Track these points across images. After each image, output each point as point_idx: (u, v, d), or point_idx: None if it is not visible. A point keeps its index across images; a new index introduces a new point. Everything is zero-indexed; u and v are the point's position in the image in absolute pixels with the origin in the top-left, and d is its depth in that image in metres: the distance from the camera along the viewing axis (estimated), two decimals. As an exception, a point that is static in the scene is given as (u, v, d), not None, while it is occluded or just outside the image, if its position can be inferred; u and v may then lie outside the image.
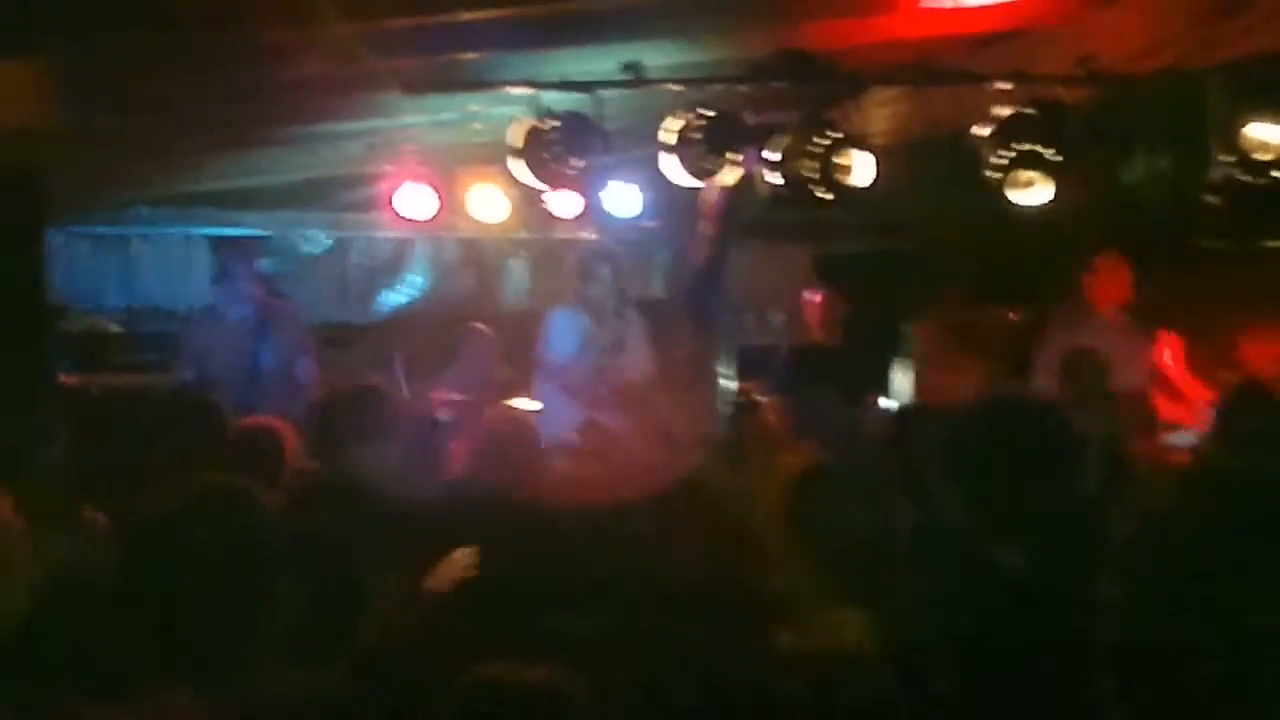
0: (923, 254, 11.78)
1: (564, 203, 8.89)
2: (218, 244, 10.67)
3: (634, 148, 8.62)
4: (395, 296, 11.89)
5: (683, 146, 7.73)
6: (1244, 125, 7.68)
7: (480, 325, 10.75)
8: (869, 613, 3.46)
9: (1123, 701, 1.79)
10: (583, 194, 8.57)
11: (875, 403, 9.77)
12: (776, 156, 7.91)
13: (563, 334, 8.62)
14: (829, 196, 7.89)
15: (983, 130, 7.97)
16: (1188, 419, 8.60)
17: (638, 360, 8.66)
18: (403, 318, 11.76)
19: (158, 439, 5.74)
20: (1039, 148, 7.83)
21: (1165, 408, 8.99)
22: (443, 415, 9.26)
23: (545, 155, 7.76)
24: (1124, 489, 5.04)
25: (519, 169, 7.88)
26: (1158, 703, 1.76)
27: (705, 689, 3.29)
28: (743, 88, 7.79)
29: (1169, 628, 1.75)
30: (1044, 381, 8.50)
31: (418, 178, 9.74)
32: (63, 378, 9.66)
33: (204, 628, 3.05)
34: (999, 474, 3.59)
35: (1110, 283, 9.34)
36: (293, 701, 3.13)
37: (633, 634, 3.66)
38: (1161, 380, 9.31)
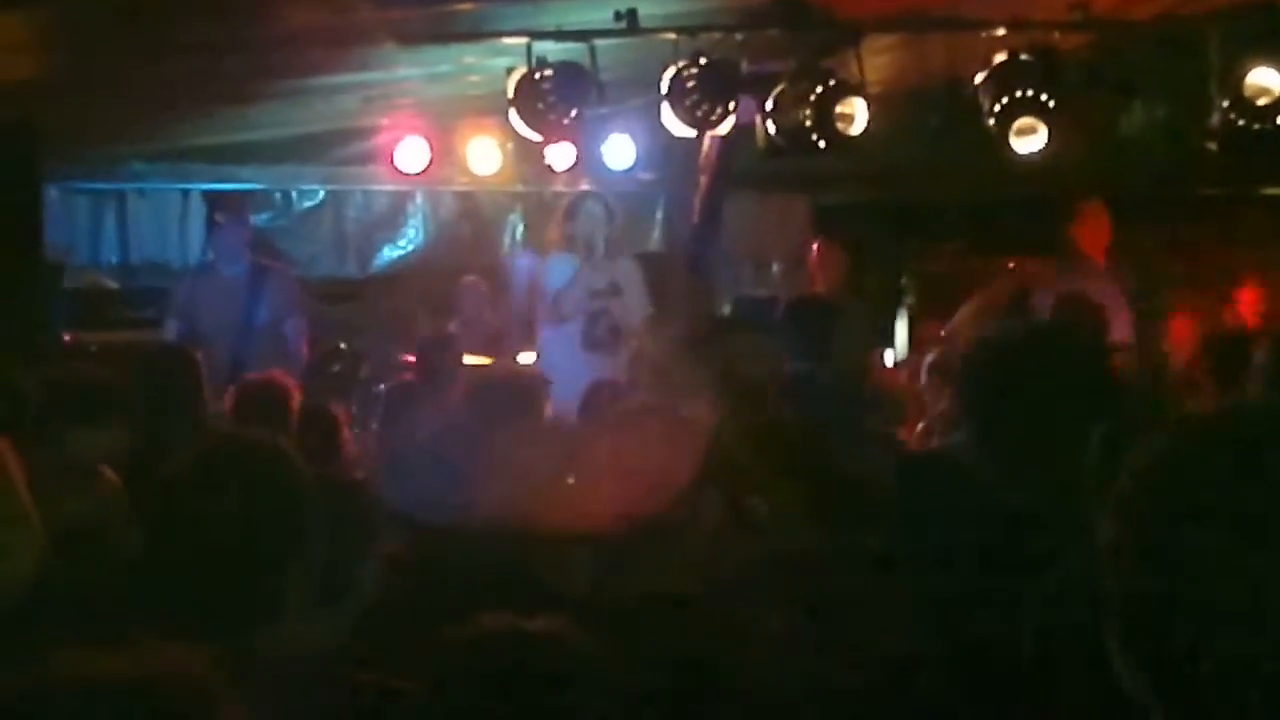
0: (921, 203, 11.77)
1: (562, 155, 8.88)
2: (214, 199, 10.64)
3: (629, 98, 8.60)
4: (393, 250, 11.87)
5: (678, 96, 7.71)
6: (1245, 71, 7.66)
7: (473, 278, 10.74)
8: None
9: (1127, 652, 1.78)
10: (577, 145, 8.54)
11: (879, 353, 9.80)
12: (772, 105, 7.90)
13: (556, 276, 8.55)
14: (825, 145, 7.87)
15: (979, 77, 7.95)
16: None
17: (635, 306, 8.61)
18: (400, 271, 11.74)
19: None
20: (1036, 93, 7.81)
21: None
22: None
23: (540, 105, 7.73)
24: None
25: (516, 120, 7.86)
26: (1160, 652, 1.75)
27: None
28: (738, 36, 7.78)
29: (1170, 576, 1.73)
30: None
31: (413, 131, 9.71)
32: (63, 335, 9.67)
33: (235, 581, 3.04)
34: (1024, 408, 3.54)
35: (1094, 229, 9.29)
36: (303, 653, 3.12)
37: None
38: None
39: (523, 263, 9.35)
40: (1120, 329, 8.53)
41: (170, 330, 9.09)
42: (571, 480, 4.56)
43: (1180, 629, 1.67)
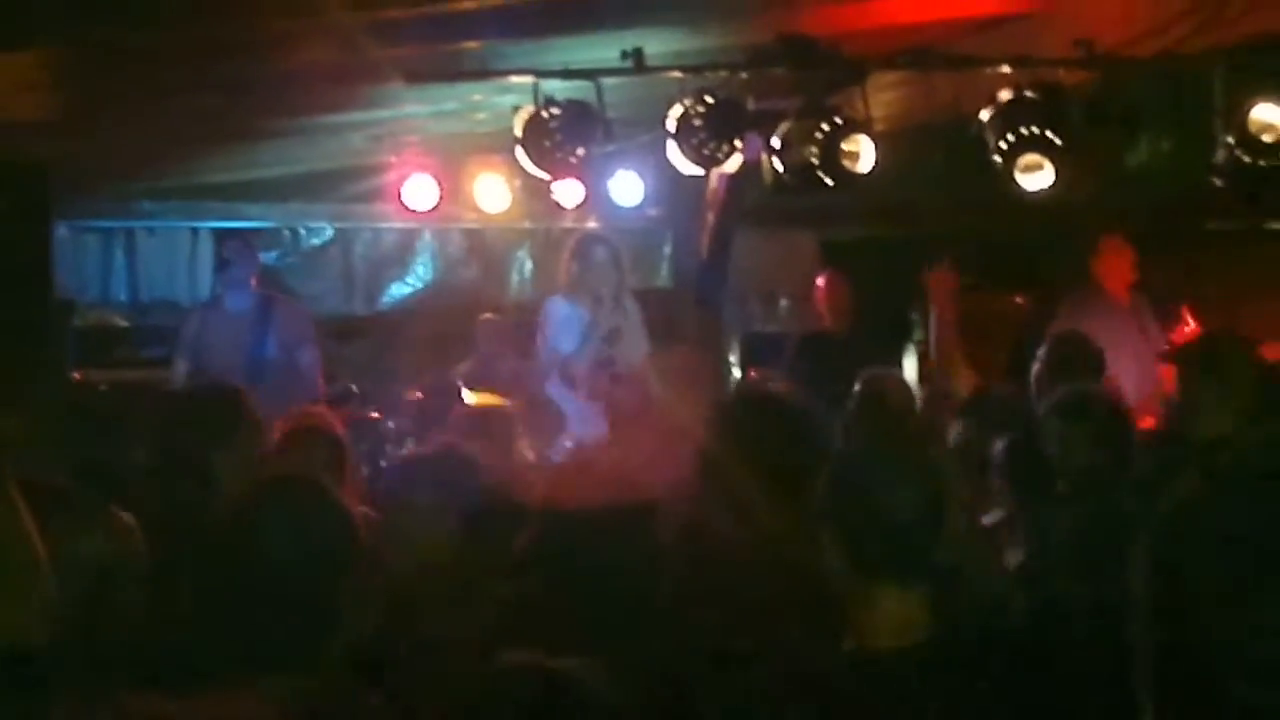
0: (929, 240, 11.79)
1: (569, 192, 8.90)
2: (223, 237, 10.69)
3: (636, 136, 8.63)
4: (401, 288, 11.91)
5: (685, 134, 7.74)
6: (1249, 107, 7.68)
7: (491, 315, 10.77)
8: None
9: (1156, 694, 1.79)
10: (585, 182, 8.58)
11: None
12: (779, 143, 7.92)
13: (563, 324, 8.53)
14: (833, 182, 7.89)
15: (985, 114, 7.97)
16: None
17: (634, 351, 8.60)
18: (409, 309, 11.77)
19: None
20: (1041, 130, 7.83)
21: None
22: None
23: (547, 143, 7.76)
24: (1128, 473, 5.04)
25: (522, 157, 7.89)
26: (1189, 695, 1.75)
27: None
28: (744, 74, 7.79)
29: (1199, 620, 1.74)
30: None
31: (421, 168, 9.75)
32: (73, 374, 9.70)
33: (281, 620, 3.05)
34: None
35: (1116, 265, 9.33)
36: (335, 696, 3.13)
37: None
38: None
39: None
40: (1129, 366, 8.54)
41: (179, 369, 9.10)
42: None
43: (1208, 670, 1.67)
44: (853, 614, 3.27)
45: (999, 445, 5.42)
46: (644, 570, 3.78)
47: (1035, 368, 6.98)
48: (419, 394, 9.01)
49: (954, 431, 6.15)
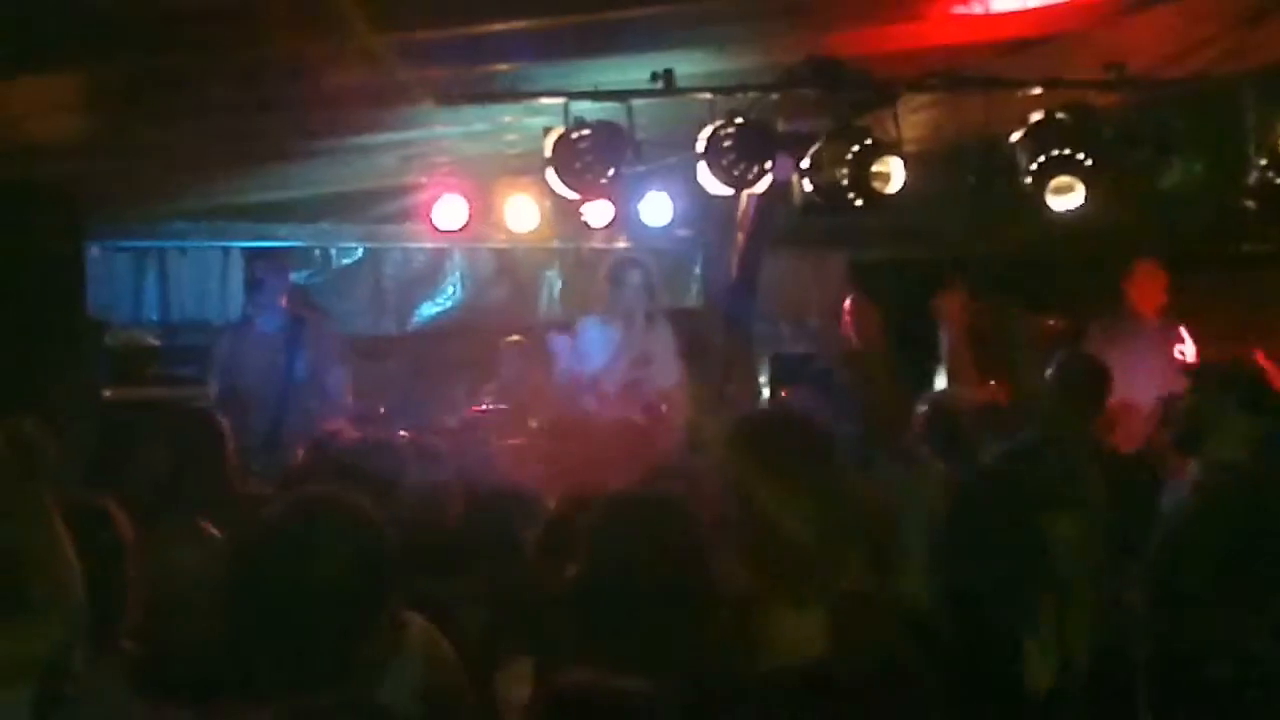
0: (958, 260, 11.76)
1: (599, 213, 8.90)
2: (253, 257, 10.72)
3: (666, 156, 8.64)
4: (431, 307, 11.92)
5: (715, 154, 7.74)
6: (1279, 129, 7.66)
7: (516, 338, 10.78)
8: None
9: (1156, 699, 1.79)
10: (615, 203, 8.59)
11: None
12: (809, 164, 7.92)
13: (592, 344, 8.54)
14: (863, 204, 7.89)
15: (1016, 136, 7.96)
16: None
17: (665, 372, 8.59)
18: (438, 328, 11.79)
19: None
20: (1072, 152, 7.81)
21: None
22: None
23: (577, 164, 7.77)
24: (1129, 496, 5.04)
25: (553, 179, 7.90)
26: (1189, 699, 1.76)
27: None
28: (774, 95, 7.80)
29: (1198, 625, 1.75)
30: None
31: (451, 189, 9.77)
32: (104, 392, 9.74)
33: (319, 638, 3.05)
34: None
35: (1149, 289, 9.31)
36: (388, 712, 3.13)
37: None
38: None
39: (561, 341, 9.24)
40: (1158, 388, 8.51)
41: (213, 389, 9.13)
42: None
43: (1208, 675, 1.68)
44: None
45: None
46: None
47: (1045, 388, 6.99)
48: (454, 423, 9.02)
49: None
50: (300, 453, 6.44)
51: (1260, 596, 1.57)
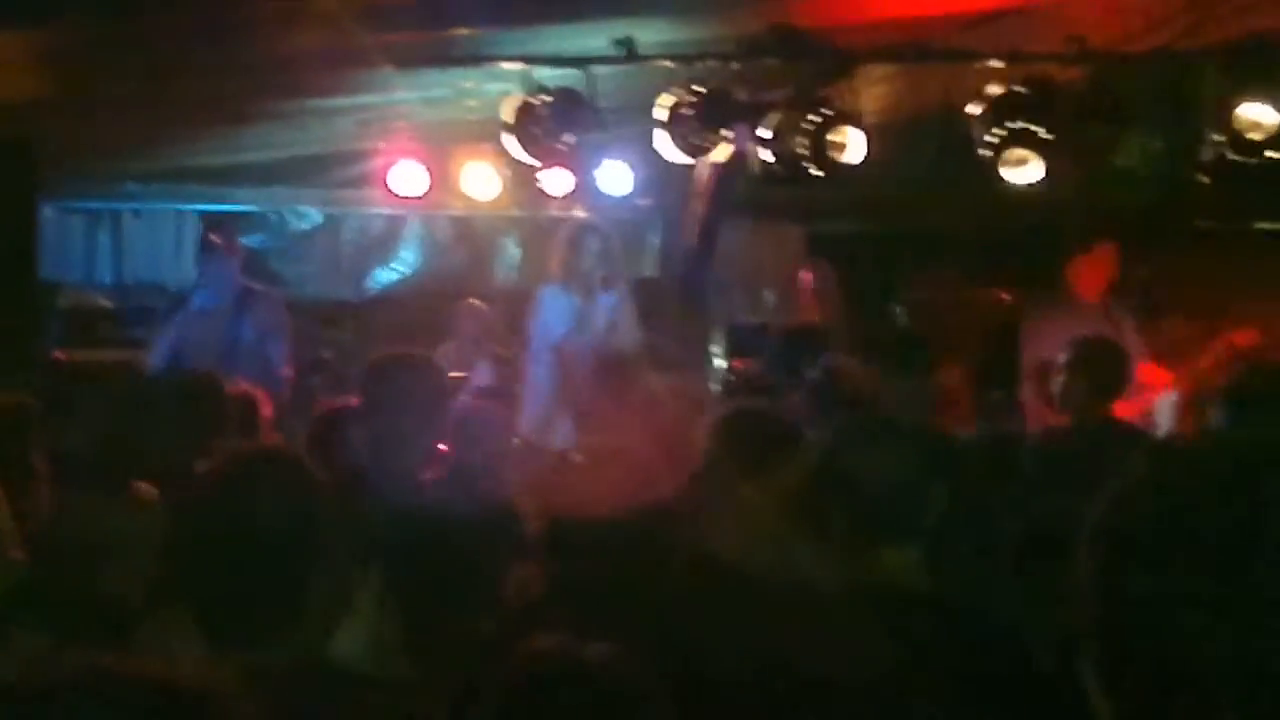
0: (915, 233, 11.79)
1: (558, 181, 8.87)
2: (209, 220, 10.65)
3: (626, 125, 8.62)
4: (387, 274, 11.88)
5: (675, 123, 7.74)
6: (1236, 105, 7.69)
7: (474, 300, 10.75)
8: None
9: (1103, 682, 1.79)
10: (574, 171, 8.56)
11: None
12: (768, 133, 7.92)
13: (553, 312, 8.49)
14: (821, 174, 7.89)
15: (975, 108, 7.97)
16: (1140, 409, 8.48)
17: (627, 336, 8.58)
18: (395, 295, 11.75)
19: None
20: (1031, 126, 7.83)
21: (1149, 373, 8.85)
22: None
23: (537, 131, 7.76)
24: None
25: (511, 145, 7.87)
26: (1136, 683, 1.76)
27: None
28: (735, 64, 7.80)
29: (1145, 607, 1.74)
30: (1031, 363, 8.45)
31: (410, 155, 9.72)
32: (55, 353, 9.67)
33: (257, 591, 3.04)
34: None
35: (1092, 272, 9.22)
36: (321, 666, 3.12)
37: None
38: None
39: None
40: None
41: (157, 352, 9.07)
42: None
43: (1156, 659, 1.68)
44: None
45: None
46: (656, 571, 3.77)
47: (1057, 373, 6.93)
48: None
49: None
50: None
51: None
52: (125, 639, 3.11)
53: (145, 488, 4.91)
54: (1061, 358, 6.91)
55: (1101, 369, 6.88)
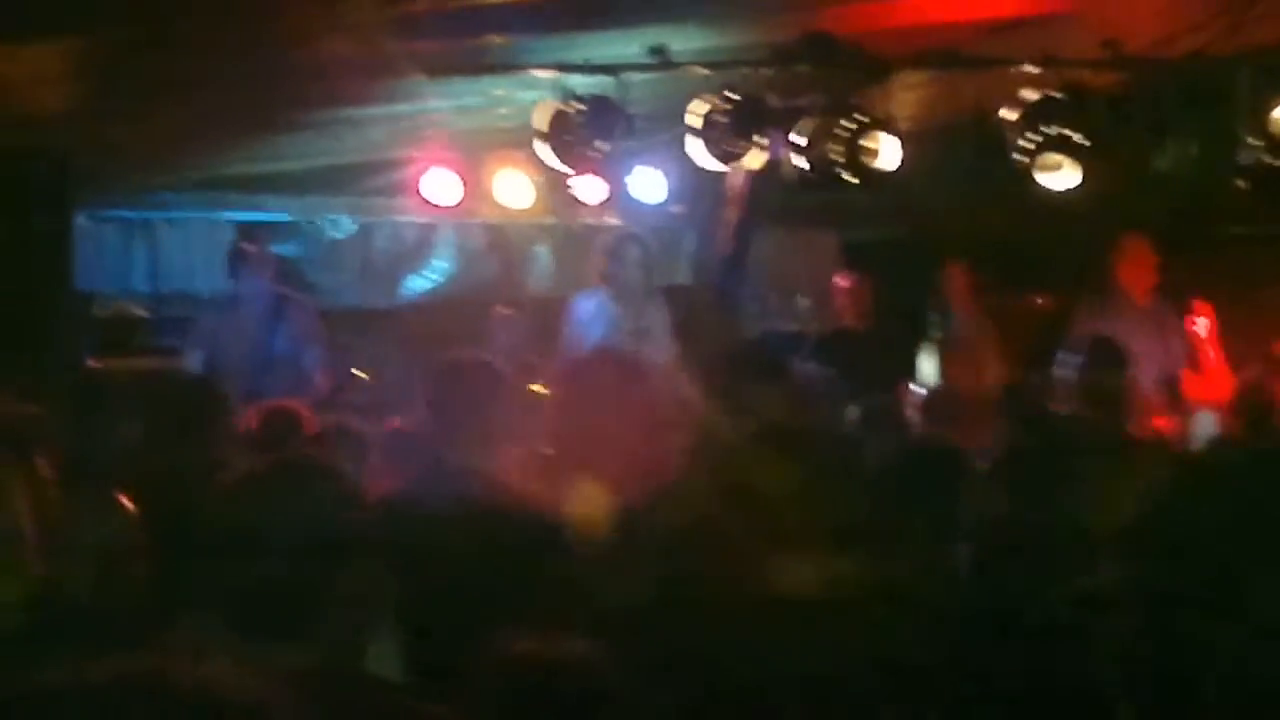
0: (951, 239, 11.75)
1: (590, 188, 8.87)
2: (242, 229, 10.68)
3: (659, 132, 8.61)
4: (420, 282, 11.89)
5: (708, 130, 7.73)
6: (1273, 109, 7.65)
7: (506, 309, 10.75)
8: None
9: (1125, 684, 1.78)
10: (607, 178, 8.55)
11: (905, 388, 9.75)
12: (802, 140, 7.90)
13: (589, 318, 8.49)
14: (855, 180, 7.87)
15: (1010, 114, 7.94)
16: (1211, 395, 8.51)
17: (661, 345, 8.57)
18: (428, 303, 11.76)
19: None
20: (1066, 131, 7.80)
21: (1191, 384, 8.87)
22: None
23: (569, 138, 7.75)
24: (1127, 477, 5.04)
25: (544, 152, 7.87)
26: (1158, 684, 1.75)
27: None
28: (768, 71, 7.78)
29: (1163, 609, 1.74)
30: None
31: (443, 163, 9.73)
32: (89, 361, 9.71)
33: (285, 597, 3.05)
34: None
35: (1139, 267, 9.25)
36: (345, 671, 3.13)
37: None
38: (1191, 352, 9.19)
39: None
40: (1146, 367, 8.52)
41: (192, 360, 9.11)
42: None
43: (1177, 662, 1.68)
44: None
45: None
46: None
47: (1063, 370, 6.96)
48: None
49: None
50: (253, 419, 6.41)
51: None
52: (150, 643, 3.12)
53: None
54: (1069, 357, 6.98)
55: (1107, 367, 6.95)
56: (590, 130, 7.72)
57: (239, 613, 3.03)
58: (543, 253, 12.04)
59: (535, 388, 8.92)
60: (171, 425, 5.66)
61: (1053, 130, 7.81)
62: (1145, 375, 8.53)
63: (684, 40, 7.44)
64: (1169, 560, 1.71)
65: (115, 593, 3.90)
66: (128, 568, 4.01)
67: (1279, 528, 1.67)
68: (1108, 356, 7.25)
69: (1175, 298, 9.41)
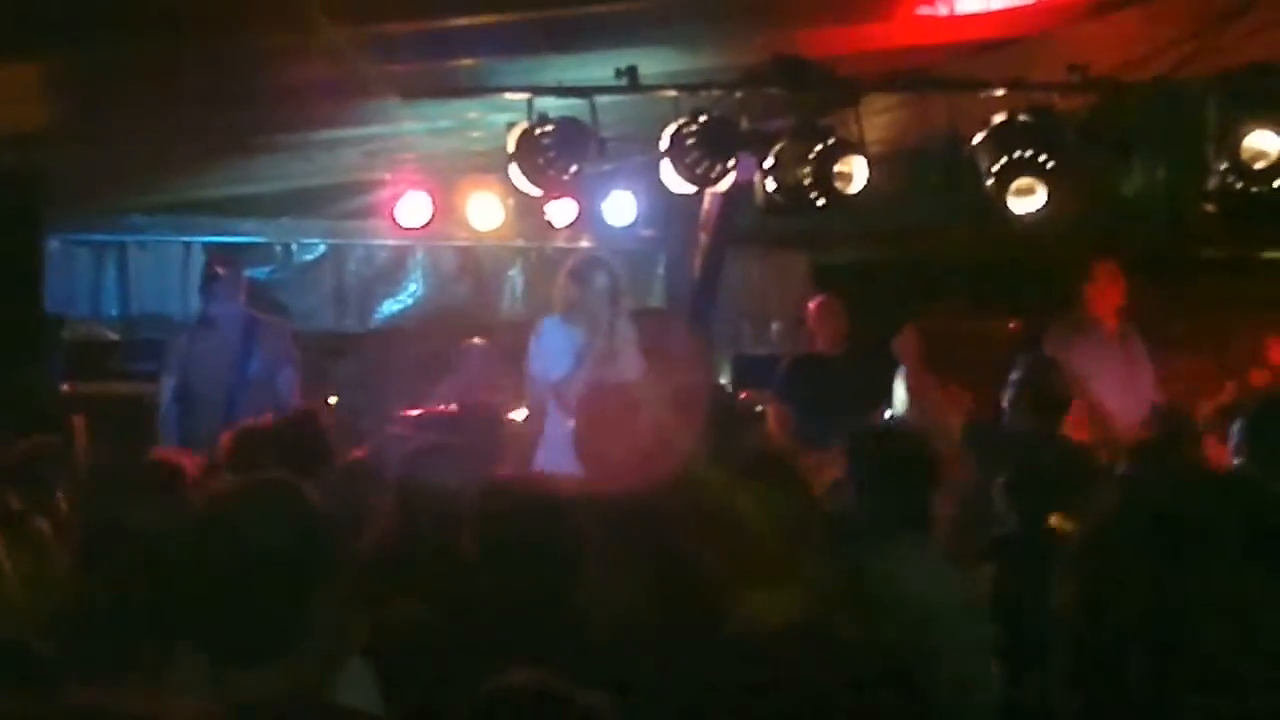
0: (921, 262, 11.78)
1: (563, 211, 8.88)
2: (214, 252, 10.65)
3: (630, 154, 8.63)
4: (392, 305, 11.88)
5: (679, 152, 7.73)
6: (1242, 134, 7.68)
7: (478, 340, 10.72)
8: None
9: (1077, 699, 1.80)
10: (578, 200, 8.57)
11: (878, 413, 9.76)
12: (772, 163, 7.91)
13: (554, 344, 8.38)
14: (825, 203, 7.88)
15: (980, 137, 7.97)
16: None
17: (629, 366, 8.49)
18: (400, 326, 11.74)
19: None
20: (1035, 154, 7.83)
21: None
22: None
23: (540, 160, 7.75)
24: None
25: (516, 175, 7.87)
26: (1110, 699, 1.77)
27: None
28: (738, 94, 7.79)
29: (1116, 628, 1.76)
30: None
31: (415, 186, 9.74)
32: (60, 385, 9.68)
33: (253, 620, 3.03)
34: None
35: (1107, 292, 9.28)
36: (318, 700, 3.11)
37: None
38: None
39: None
40: (1114, 390, 8.56)
41: (166, 386, 9.10)
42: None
43: (1125, 676, 1.69)
44: None
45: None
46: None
47: (1009, 393, 7.03)
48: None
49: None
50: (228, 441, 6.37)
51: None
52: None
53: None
54: (1012, 376, 7.04)
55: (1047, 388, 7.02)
56: (561, 153, 7.72)
57: (205, 639, 3.02)
58: (515, 276, 12.04)
59: (513, 416, 8.94)
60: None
61: (1021, 153, 7.83)
62: (1112, 398, 8.57)
63: (655, 63, 7.45)
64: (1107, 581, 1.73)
65: (74, 623, 3.89)
66: (86, 596, 4.00)
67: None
68: (1046, 369, 7.30)
69: (1143, 322, 9.43)
